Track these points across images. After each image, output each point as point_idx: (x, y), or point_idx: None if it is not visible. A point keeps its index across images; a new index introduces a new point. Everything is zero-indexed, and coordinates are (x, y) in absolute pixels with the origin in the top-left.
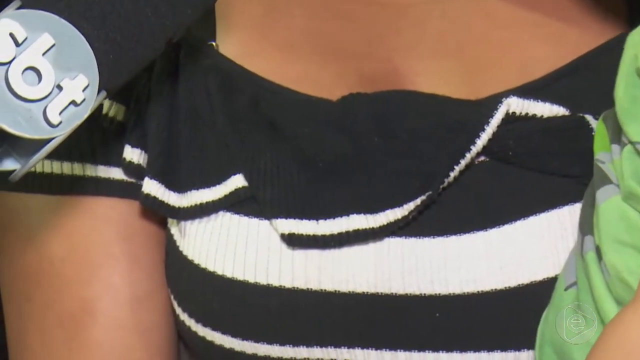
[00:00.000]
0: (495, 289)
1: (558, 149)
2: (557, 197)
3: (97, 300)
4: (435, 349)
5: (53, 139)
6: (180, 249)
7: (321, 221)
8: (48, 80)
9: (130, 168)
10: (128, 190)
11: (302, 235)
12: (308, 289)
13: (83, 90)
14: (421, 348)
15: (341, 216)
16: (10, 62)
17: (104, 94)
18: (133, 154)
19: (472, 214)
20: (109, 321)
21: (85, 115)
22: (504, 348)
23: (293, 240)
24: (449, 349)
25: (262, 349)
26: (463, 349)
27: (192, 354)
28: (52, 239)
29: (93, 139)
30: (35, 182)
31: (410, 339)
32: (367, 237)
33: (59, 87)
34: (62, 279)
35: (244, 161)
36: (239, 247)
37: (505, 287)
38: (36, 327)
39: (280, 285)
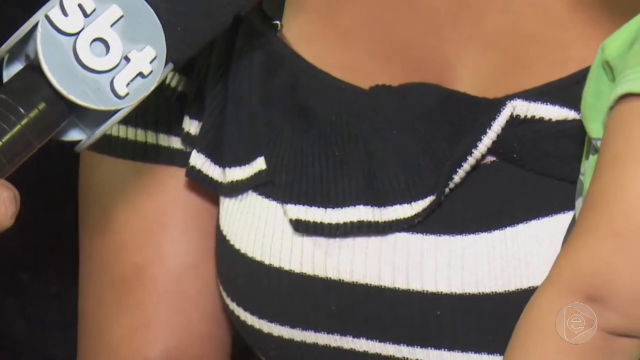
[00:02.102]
0: (495, 292)
1: (568, 154)
2: (564, 202)
3: (147, 266)
4: (437, 346)
5: (119, 110)
6: (219, 223)
7: (329, 209)
8: (116, 51)
9: (188, 139)
10: (187, 160)
11: (308, 222)
12: (315, 275)
13: (150, 62)
14: (424, 345)
15: (348, 206)
16: (78, 33)
17: (170, 66)
18: (191, 125)
19: (477, 214)
20: (156, 286)
21: (152, 87)
22: (504, 351)
23: (299, 226)
24: (450, 347)
25: (275, 329)
26: (464, 349)
27: None
28: (113, 201)
29: (156, 107)
30: (105, 144)
31: (413, 335)
32: (371, 230)
33: (127, 59)
34: (118, 243)
35: (267, 144)
36: (260, 228)
37: (505, 291)
38: (94, 284)
39: (290, 270)
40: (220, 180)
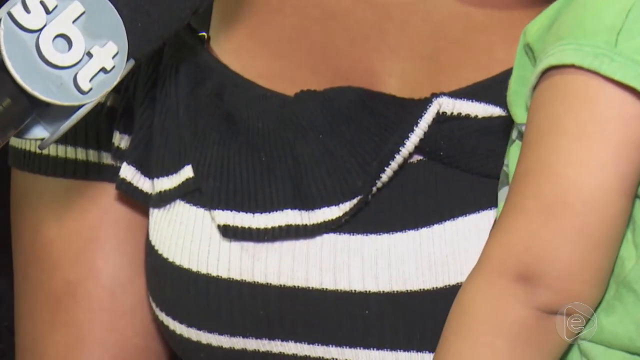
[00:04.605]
0: (423, 289)
1: (493, 150)
2: (489, 198)
3: (80, 283)
4: (367, 346)
5: (83, 105)
6: (149, 234)
7: (257, 214)
8: (78, 47)
9: (118, 153)
10: (117, 175)
11: (236, 227)
12: (242, 280)
13: (113, 58)
14: (353, 345)
15: (276, 210)
16: (41, 30)
17: (132, 62)
18: (121, 140)
19: (404, 212)
20: (90, 303)
21: (115, 83)
22: (433, 348)
23: (227, 232)
24: (379, 347)
25: (204, 337)
26: (393, 347)
27: None
28: (45, 220)
29: (86, 124)
30: (35, 163)
31: (342, 335)
32: (299, 233)
33: (89, 55)
34: (51, 260)
35: (193, 152)
36: (187, 235)
37: (433, 287)
38: (28, 304)
39: (218, 275)
40: (149, 192)
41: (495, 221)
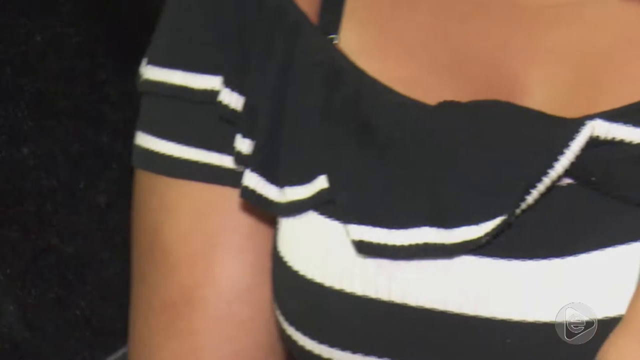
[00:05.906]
0: (569, 322)
1: None
2: None
3: (196, 290)
4: None
5: None
6: (277, 244)
7: (393, 230)
8: None
9: (239, 158)
10: (239, 180)
11: (372, 243)
12: (378, 298)
13: None
14: None
15: (413, 227)
16: None
17: None
18: (243, 144)
19: (550, 239)
20: (206, 312)
21: None
22: None
23: (362, 247)
24: None
25: (336, 354)
26: None
27: None
28: (164, 222)
29: (208, 125)
30: (158, 163)
31: None
32: (437, 252)
33: None
34: (168, 265)
35: (328, 162)
36: (320, 249)
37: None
38: (144, 308)
39: (352, 292)
40: (277, 200)
41: None
